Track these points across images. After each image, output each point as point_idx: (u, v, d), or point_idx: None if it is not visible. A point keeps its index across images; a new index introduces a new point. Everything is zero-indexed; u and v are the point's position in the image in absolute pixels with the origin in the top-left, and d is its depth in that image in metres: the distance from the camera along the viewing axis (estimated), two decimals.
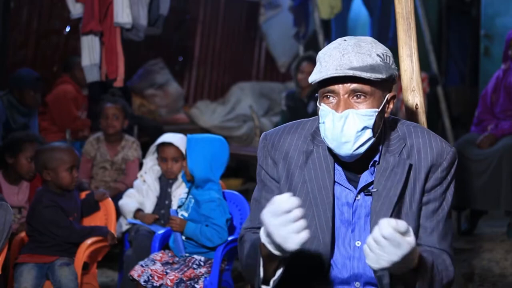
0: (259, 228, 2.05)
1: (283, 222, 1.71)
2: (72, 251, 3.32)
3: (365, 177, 1.99)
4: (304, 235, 1.71)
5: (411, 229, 1.71)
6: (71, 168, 3.36)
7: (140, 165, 4.26)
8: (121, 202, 3.90)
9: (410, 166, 1.97)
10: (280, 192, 2.04)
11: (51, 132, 5.61)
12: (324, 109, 1.92)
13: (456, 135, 6.96)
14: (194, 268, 3.16)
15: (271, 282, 1.89)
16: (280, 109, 6.33)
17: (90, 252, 3.34)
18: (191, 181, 3.30)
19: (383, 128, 2.01)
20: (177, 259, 3.26)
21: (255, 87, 8.08)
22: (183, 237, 3.27)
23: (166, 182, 3.90)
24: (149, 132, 5.94)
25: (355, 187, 1.99)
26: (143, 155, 4.25)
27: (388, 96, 1.95)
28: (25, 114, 5.15)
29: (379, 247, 1.69)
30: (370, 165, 1.99)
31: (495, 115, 5.04)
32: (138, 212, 3.83)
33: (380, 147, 2.00)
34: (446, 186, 2.01)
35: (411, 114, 2.54)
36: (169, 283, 3.05)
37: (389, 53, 1.95)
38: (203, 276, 3.13)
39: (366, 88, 1.88)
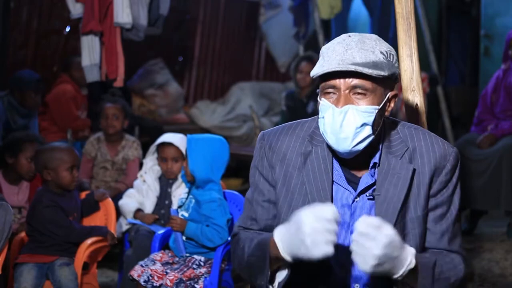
0: (253, 229, 2.07)
1: (322, 229, 1.71)
2: (72, 251, 3.32)
3: (365, 179, 1.98)
4: (331, 249, 1.72)
5: (386, 224, 1.73)
6: (71, 167, 3.36)
7: (140, 165, 4.26)
8: (121, 202, 3.90)
9: (414, 170, 1.96)
10: (273, 196, 2.04)
11: (51, 132, 5.61)
12: (324, 104, 1.91)
13: (456, 135, 6.96)
14: (194, 268, 3.16)
15: (276, 285, 1.90)
16: (280, 109, 6.33)
17: (90, 252, 3.34)
18: (191, 182, 3.29)
19: (383, 127, 2.00)
20: (177, 259, 3.26)
21: (255, 87, 8.08)
22: (184, 237, 3.27)
23: (166, 182, 3.90)
24: (149, 132, 5.94)
25: (355, 189, 1.98)
26: (143, 155, 4.25)
27: (389, 94, 1.94)
28: (25, 116, 5.15)
29: (359, 246, 1.72)
30: (370, 166, 1.98)
31: (495, 115, 5.04)
32: (138, 212, 3.83)
33: (380, 147, 1.99)
34: (452, 189, 2.00)
35: (411, 114, 2.54)
36: (168, 283, 3.05)
37: (393, 52, 1.94)
38: (203, 276, 3.13)
39: (368, 84, 1.87)
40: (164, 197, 3.88)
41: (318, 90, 1.98)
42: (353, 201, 1.98)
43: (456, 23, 8.00)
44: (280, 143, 2.05)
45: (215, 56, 8.18)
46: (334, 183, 1.99)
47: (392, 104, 1.98)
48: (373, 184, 1.98)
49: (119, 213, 3.89)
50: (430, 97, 6.85)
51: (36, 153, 3.48)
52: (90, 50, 4.46)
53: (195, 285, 3.08)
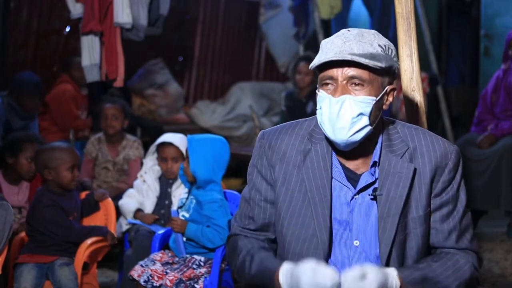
0: (249, 229, 2.08)
1: None
2: (72, 251, 3.32)
3: (365, 178, 1.99)
4: None
5: (368, 269, 1.77)
6: (72, 167, 3.36)
7: (141, 164, 4.26)
8: (121, 202, 3.90)
9: (415, 170, 1.96)
10: (270, 196, 2.05)
11: (51, 132, 5.61)
12: (322, 95, 1.93)
13: (456, 135, 6.95)
14: (194, 268, 3.16)
15: None
16: (280, 109, 6.33)
17: (90, 252, 3.34)
18: (192, 182, 3.29)
19: (382, 126, 2.01)
20: (177, 259, 3.26)
21: (255, 87, 8.08)
22: (184, 238, 3.27)
23: (166, 182, 3.90)
24: (149, 132, 5.94)
25: (354, 186, 1.99)
26: (144, 155, 4.25)
27: (387, 88, 1.95)
28: (23, 117, 5.15)
29: None
30: (370, 165, 1.99)
31: (495, 115, 5.04)
32: (138, 212, 3.82)
33: (380, 146, 1.99)
34: (456, 186, 2.01)
35: (411, 114, 2.54)
36: (168, 283, 3.04)
37: (392, 47, 1.95)
38: (203, 276, 3.13)
39: (365, 75, 1.88)
40: (164, 197, 3.88)
41: (317, 85, 1.99)
42: (352, 198, 1.99)
43: (456, 23, 8.00)
44: (280, 142, 2.05)
45: (215, 56, 8.18)
46: (333, 179, 2.00)
47: (390, 98, 1.98)
48: (373, 182, 1.98)
49: (119, 213, 3.89)
50: (430, 97, 6.85)
51: (37, 152, 3.48)
52: (90, 50, 4.46)
53: (195, 285, 3.07)
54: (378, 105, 1.93)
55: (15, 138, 3.83)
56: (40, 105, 5.49)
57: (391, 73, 1.95)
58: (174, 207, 3.45)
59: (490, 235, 5.01)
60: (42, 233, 3.29)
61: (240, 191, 3.59)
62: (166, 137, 3.84)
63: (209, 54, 8.13)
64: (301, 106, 5.68)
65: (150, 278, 3.10)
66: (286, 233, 2.01)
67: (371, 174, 1.99)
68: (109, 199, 3.59)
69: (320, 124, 1.95)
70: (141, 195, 3.90)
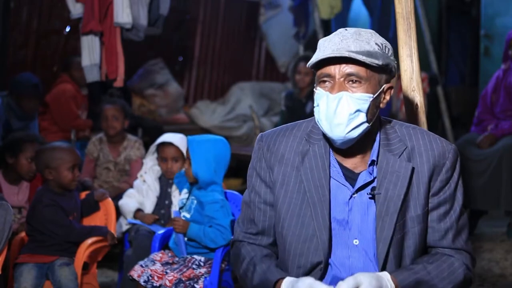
0: (251, 233, 2.10)
1: None
2: (72, 251, 3.32)
3: (363, 177, 1.99)
4: None
5: (361, 281, 1.80)
6: (72, 167, 3.37)
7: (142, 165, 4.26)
8: (121, 202, 3.90)
9: (413, 169, 1.97)
10: (270, 198, 2.07)
11: (51, 132, 5.61)
12: (319, 92, 1.95)
13: (456, 135, 6.95)
14: (193, 268, 3.16)
15: None
16: (280, 109, 6.33)
17: (90, 252, 3.34)
18: (192, 183, 3.29)
19: (379, 123, 2.03)
20: (177, 259, 3.26)
21: (255, 87, 8.08)
22: (185, 238, 3.27)
23: (166, 182, 3.89)
24: (149, 132, 5.94)
25: (352, 185, 2.00)
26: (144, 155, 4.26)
27: (385, 86, 1.97)
28: (22, 118, 5.14)
29: None
30: (368, 164, 1.99)
31: (495, 115, 5.04)
32: (138, 212, 3.82)
33: (378, 145, 2.00)
34: (454, 185, 2.02)
35: (411, 114, 2.54)
36: (167, 283, 3.04)
37: (389, 46, 1.97)
38: (203, 276, 3.13)
39: (362, 72, 1.90)
40: (164, 197, 3.88)
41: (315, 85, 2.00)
42: (351, 197, 2.00)
43: (456, 23, 8.00)
44: (278, 144, 2.07)
45: (215, 56, 8.17)
46: (331, 179, 2.01)
47: (387, 97, 2.00)
48: (371, 181, 1.99)
49: (119, 213, 3.89)
50: (430, 97, 6.84)
51: (38, 152, 3.48)
52: (90, 50, 4.46)
53: (195, 285, 3.07)
54: (375, 103, 1.94)
55: (15, 138, 3.83)
56: (40, 106, 5.48)
57: (388, 71, 1.96)
58: (175, 208, 3.44)
59: (490, 235, 5.01)
60: (42, 233, 3.29)
61: (240, 191, 3.61)
62: (166, 137, 3.84)
63: (209, 54, 8.13)
64: (301, 106, 5.68)
65: (150, 278, 3.10)
66: (286, 234, 2.02)
67: (369, 173, 2.00)
68: (109, 199, 3.59)
69: (318, 121, 1.96)
70: (141, 195, 3.90)
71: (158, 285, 3.09)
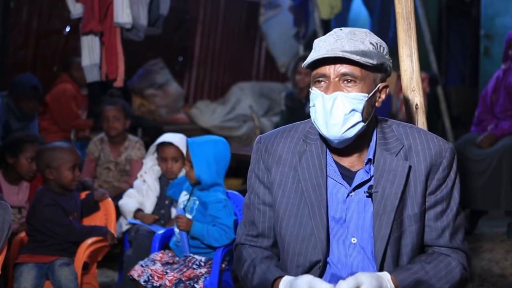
0: (252, 236, 2.11)
1: None
2: (72, 251, 3.32)
3: (360, 175, 2.01)
4: None
5: (362, 281, 1.81)
6: (73, 167, 3.37)
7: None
8: (121, 202, 3.90)
9: (410, 168, 1.98)
10: (268, 199, 2.08)
11: (51, 132, 5.61)
12: (314, 92, 1.96)
13: (456, 135, 6.95)
14: (194, 268, 3.16)
15: None
16: (280, 109, 6.33)
17: (90, 252, 3.34)
18: (195, 184, 3.29)
19: (376, 122, 2.03)
20: (177, 259, 3.26)
21: (255, 87, 8.08)
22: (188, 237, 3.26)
23: (166, 182, 3.89)
24: (149, 132, 5.94)
25: (349, 183, 2.01)
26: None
27: (380, 85, 1.97)
28: (21, 119, 5.14)
29: None
30: (365, 162, 2.00)
31: (495, 115, 5.04)
32: (138, 212, 3.83)
33: (374, 144, 2.01)
34: (451, 184, 2.03)
35: (411, 114, 2.54)
36: (167, 283, 3.04)
37: (384, 45, 1.98)
38: (203, 276, 3.13)
39: (356, 72, 1.91)
40: (164, 197, 3.88)
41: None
42: (348, 195, 2.00)
43: (456, 23, 8.00)
44: (276, 146, 2.08)
45: (215, 56, 8.18)
46: (329, 178, 2.02)
47: (383, 96, 2.00)
48: (368, 180, 2.00)
49: (119, 213, 3.89)
50: (430, 97, 6.84)
51: (38, 152, 3.48)
52: (90, 50, 4.46)
53: (195, 285, 3.07)
54: (370, 102, 1.95)
55: (16, 138, 3.83)
56: (39, 107, 5.48)
57: (383, 70, 1.97)
58: (181, 207, 3.42)
59: (490, 235, 5.01)
60: (42, 233, 3.29)
61: (240, 191, 3.62)
62: (166, 137, 3.84)
63: (209, 54, 8.13)
64: (301, 106, 5.68)
65: (150, 278, 3.10)
66: (284, 233, 2.03)
67: (366, 171, 2.01)
68: (109, 199, 3.59)
69: (314, 122, 1.97)
70: (141, 195, 3.91)
71: (158, 285, 3.09)
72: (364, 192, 1.99)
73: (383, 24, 6.98)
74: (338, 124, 1.90)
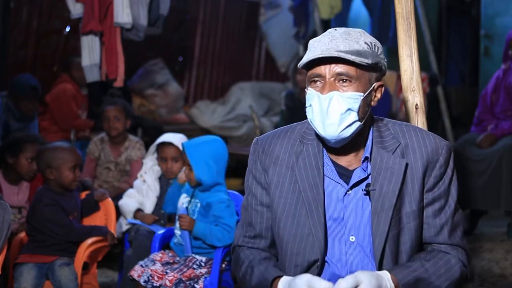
0: (250, 237, 2.12)
1: None
2: (72, 251, 3.32)
3: (357, 173, 2.01)
4: None
5: (361, 280, 1.81)
6: (74, 167, 3.37)
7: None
8: (121, 202, 3.90)
9: (406, 165, 1.99)
10: (266, 199, 2.09)
11: (51, 132, 5.61)
12: (310, 92, 1.98)
13: (456, 135, 6.96)
14: (194, 269, 3.16)
15: None
16: (280, 109, 6.33)
17: (90, 252, 3.34)
18: (196, 186, 3.28)
19: (372, 121, 2.04)
20: (177, 258, 3.26)
21: (255, 87, 8.08)
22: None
23: (166, 182, 3.89)
24: (149, 132, 5.94)
25: (346, 182, 2.02)
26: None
27: (375, 84, 1.98)
28: (20, 119, 5.14)
29: None
30: (362, 160, 2.01)
31: (495, 115, 5.04)
32: (138, 212, 3.82)
33: (371, 142, 2.02)
34: (448, 181, 2.03)
35: (411, 114, 2.54)
36: (167, 283, 3.04)
37: (378, 44, 1.99)
38: (203, 276, 3.13)
39: (352, 71, 1.92)
40: (164, 197, 3.87)
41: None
42: (345, 194, 2.01)
43: (456, 23, 8.00)
44: (273, 147, 2.10)
45: (215, 56, 8.18)
46: (326, 178, 2.02)
47: (378, 95, 2.02)
48: (365, 178, 2.01)
49: (119, 213, 3.89)
50: (430, 97, 6.85)
51: (39, 152, 3.48)
52: (90, 50, 4.46)
53: (195, 285, 3.07)
54: (366, 101, 1.96)
55: (16, 138, 3.83)
56: (39, 107, 5.48)
57: (378, 70, 1.98)
58: (184, 206, 3.41)
59: (490, 235, 5.01)
60: (42, 233, 3.29)
61: (240, 191, 3.62)
62: (166, 137, 3.84)
63: (209, 54, 8.13)
64: (301, 106, 5.65)
65: (150, 278, 3.10)
66: (282, 234, 2.04)
67: (363, 169, 2.01)
68: (109, 199, 3.59)
69: (311, 122, 1.99)
70: (141, 195, 3.91)
71: (158, 285, 3.09)
72: (362, 190, 2.00)
73: (383, 24, 6.98)
74: (335, 124, 1.92)
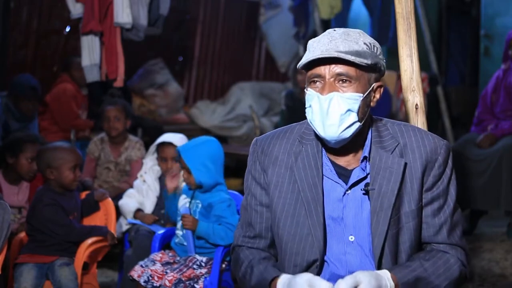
0: (249, 237, 2.12)
1: None
2: (72, 251, 3.32)
3: (356, 173, 2.02)
4: None
5: (361, 280, 1.81)
6: (74, 167, 3.37)
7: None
8: (121, 202, 3.90)
9: (405, 164, 1.99)
10: (265, 199, 2.09)
11: (51, 132, 5.61)
12: (310, 93, 1.98)
13: (456, 135, 6.96)
14: (194, 269, 3.16)
15: None
16: (280, 109, 6.33)
17: (90, 252, 3.34)
18: (195, 188, 3.28)
19: (371, 121, 2.05)
20: (178, 258, 3.25)
21: (255, 87, 8.08)
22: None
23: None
24: (149, 132, 5.94)
25: (345, 182, 2.02)
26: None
27: (374, 85, 1.99)
28: (20, 120, 5.14)
29: None
30: (360, 160, 2.01)
31: (495, 115, 5.04)
32: (138, 212, 3.83)
33: (370, 142, 2.02)
34: (447, 180, 2.04)
35: (411, 114, 2.55)
36: (167, 283, 3.04)
37: (377, 45, 2.00)
38: (203, 277, 3.13)
39: (351, 72, 1.92)
40: (164, 197, 3.87)
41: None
42: (344, 194, 2.01)
43: (456, 23, 8.00)
44: (272, 147, 2.10)
45: (215, 56, 8.18)
46: (325, 178, 2.03)
47: (377, 95, 2.02)
48: (364, 177, 2.01)
49: (119, 213, 3.89)
50: (430, 97, 6.85)
51: (39, 152, 3.48)
52: (90, 50, 4.46)
53: (195, 285, 3.07)
54: (365, 102, 1.97)
55: (16, 138, 3.83)
56: (39, 108, 5.47)
57: (377, 70, 1.98)
58: (186, 206, 3.42)
59: (490, 235, 5.01)
60: (42, 233, 3.29)
61: (240, 191, 3.62)
62: (166, 137, 3.84)
63: (209, 54, 8.13)
64: (301, 106, 5.63)
65: (150, 278, 3.10)
66: (282, 234, 2.04)
67: (362, 169, 2.02)
68: (109, 199, 3.59)
69: (311, 122, 1.99)
70: (141, 195, 3.91)
71: (158, 285, 3.09)
72: (361, 190, 2.00)
73: (383, 24, 6.98)
74: (335, 125, 1.92)
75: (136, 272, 3.14)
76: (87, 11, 4.40)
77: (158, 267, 3.17)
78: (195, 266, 3.18)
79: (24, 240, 3.40)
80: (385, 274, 1.90)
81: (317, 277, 1.85)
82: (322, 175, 2.02)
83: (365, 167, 2.01)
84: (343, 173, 2.02)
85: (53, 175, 3.35)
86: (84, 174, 4.34)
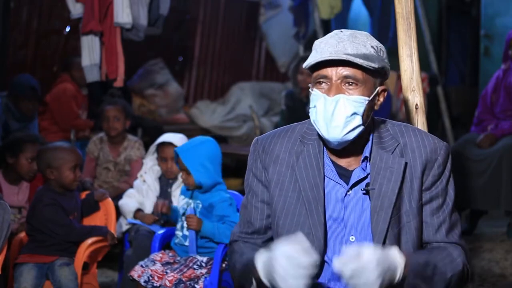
0: (247, 233, 2.12)
1: (297, 275, 1.75)
2: (72, 251, 3.32)
3: (357, 173, 2.02)
4: None
5: (361, 248, 1.77)
6: (74, 167, 3.37)
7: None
8: (121, 202, 3.90)
9: (406, 164, 2.00)
10: (266, 197, 2.09)
11: (51, 132, 5.61)
12: (316, 93, 1.97)
13: (456, 135, 6.95)
14: (194, 269, 3.16)
15: None
16: (280, 109, 6.33)
17: (90, 252, 3.34)
18: (195, 189, 3.28)
19: (373, 124, 2.05)
20: (178, 258, 3.25)
21: (255, 87, 8.08)
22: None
23: (166, 182, 3.90)
24: (149, 132, 5.94)
25: (346, 182, 2.02)
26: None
27: (379, 88, 1.99)
28: (20, 120, 5.14)
29: (358, 285, 1.75)
30: (361, 160, 2.02)
31: (495, 115, 5.04)
32: (138, 212, 3.82)
33: (370, 142, 2.03)
34: (446, 181, 2.05)
35: (411, 114, 2.55)
36: (167, 283, 3.04)
37: (383, 48, 2.00)
38: (203, 277, 3.13)
39: (358, 75, 1.92)
40: (164, 197, 3.87)
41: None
42: (345, 194, 2.02)
43: (456, 23, 8.00)
44: (273, 146, 2.10)
45: (215, 56, 8.18)
46: (326, 178, 2.03)
47: (381, 99, 2.03)
48: (365, 177, 2.02)
49: (119, 213, 3.89)
50: (430, 97, 6.85)
51: (39, 152, 3.48)
52: (90, 50, 4.46)
53: (195, 285, 3.07)
54: (370, 105, 1.97)
55: (16, 138, 3.83)
56: (38, 108, 5.47)
57: (382, 74, 1.99)
58: (190, 206, 3.41)
59: (490, 235, 5.01)
60: (42, 232, 3.29)
61: (240, 191, 3.61)
62: (166, 137, 3.84)
63: (209, 54, 8.13)
64: (301, 106, 5.67)
65: (150, 278, 3.10)
66: (281, 232, 2.04)
67: (363, 169, 2.02)
68: (109, 199, 3.59)
69: (314, 123, 1.98)
70: (141, 195, 3.91)
71: (158, 285, 3.09)
72: (361, 189, 2.01)
73: (383, 24, 6.98)
74: (339, 127, 1.92)
75: (136, 272, 3.14)
76: (87, 11, 4.40)
77: (158, 267, 3.17)
78: (195, 266, 3.18)
79: (24, 240, 3.40)
80: (394, 249, 1.86)
81: (299, 248, 1.77)
82: (324, 175, 2.02)
83: (366, 167, 2.02)
84: (344, 174, 2.03)
85: (53, 175, 3.35)
86: (84, 174, 4.34)
